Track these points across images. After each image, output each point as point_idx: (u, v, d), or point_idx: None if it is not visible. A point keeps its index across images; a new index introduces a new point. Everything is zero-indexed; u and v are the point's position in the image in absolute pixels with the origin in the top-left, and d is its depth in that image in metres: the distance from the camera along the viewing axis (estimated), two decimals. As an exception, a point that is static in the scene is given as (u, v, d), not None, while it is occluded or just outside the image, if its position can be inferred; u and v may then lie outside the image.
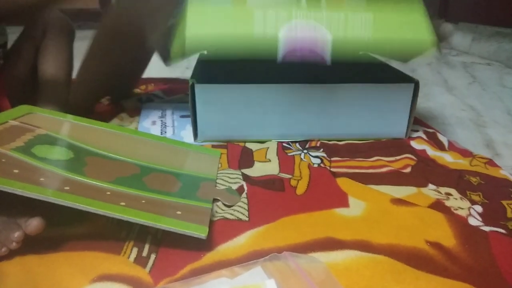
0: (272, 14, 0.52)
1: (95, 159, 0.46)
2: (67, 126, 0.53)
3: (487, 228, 0.42)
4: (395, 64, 0.71)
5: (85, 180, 0.41)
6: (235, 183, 0.50)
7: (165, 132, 0.65)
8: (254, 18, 0.52)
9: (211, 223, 0.42)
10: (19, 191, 0.35)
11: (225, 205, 0.45)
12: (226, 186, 0.49)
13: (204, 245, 0.38)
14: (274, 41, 0.51)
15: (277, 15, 0.52)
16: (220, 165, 0.55)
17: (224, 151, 0.59)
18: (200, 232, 0.36)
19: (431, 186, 0.50)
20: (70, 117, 0.55)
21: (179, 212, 0.39)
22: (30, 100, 0.59)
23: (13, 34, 0.64)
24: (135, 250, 0.38)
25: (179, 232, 0.36)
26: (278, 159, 0.57)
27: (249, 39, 0.52)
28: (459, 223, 0.42)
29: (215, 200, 0.46)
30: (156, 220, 0.37)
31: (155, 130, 0.65)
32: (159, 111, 0.74)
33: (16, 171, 0.38)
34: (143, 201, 0.40)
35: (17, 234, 0.35)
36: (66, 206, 0.35)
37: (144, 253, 0.37)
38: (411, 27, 0.55)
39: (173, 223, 0.37)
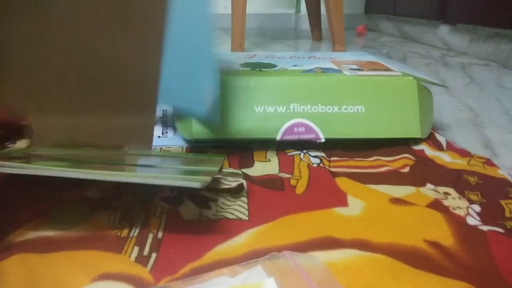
0: (272, 114, 0.59)
1: (93, 165, 0.47)
2: (66, 151, 0.53)
3: (485, 228, 0.42)
4: (394, 64, 0.71)
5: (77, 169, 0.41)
6: (235, 181, 0.50)
7: (166, 133, 0.65)
8: (255, 119, 0.58)
9: (211, 222, 0.42)
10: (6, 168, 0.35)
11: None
12: (226, 184, 0.50)
13: (204, 244, 0.39)
14: (274, 134, 0.59)
15: (276, 114, 0.59)
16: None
17: (224, 151, 0.59)
18: (196, 181, 0.36)
19: (429, 185, 0.51)
20: (69, 150, 0.55)
21: (176, 176, 0.39)
22: None
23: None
24: (136, 249, 0.38)
25: (174, 184, 0.36)
26: (278, 158, 0.58)
27: (248, 136, 0.59)
28: (457, 222, 0.43)
29: (216, 181, 0.45)
30: (149, 179, 0.37)
31: (156, 131, 0.66)
32: (159, 112, 0.74)
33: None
34: (138, 174, 0.40)
35: None
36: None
37: (145, 252, 0.38)
38: (402, 124, 0.61)
39: (167, 180, 0.37)
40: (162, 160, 0.53)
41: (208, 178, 0.37)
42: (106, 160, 0.50)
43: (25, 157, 0.49)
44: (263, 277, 0.34)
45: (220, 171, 0.50)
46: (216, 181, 0.50)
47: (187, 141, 0.60)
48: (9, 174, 0.52)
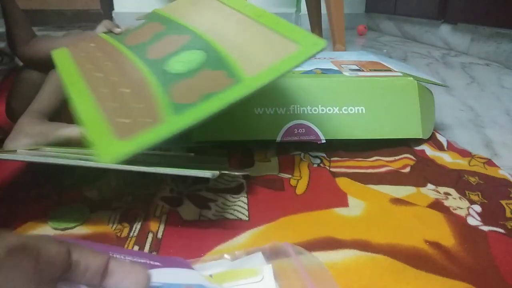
0: (272, 115, 0.59)
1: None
2: (69, 149, 0.54)
3: (486, 228, 0.42)
4: (394, 64, 0.71)
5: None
6: (235, 181, 0.50)
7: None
8: (255, 121, 0.59)
9: (211, 222, 0.42)
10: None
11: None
12: (226, 184, 0.50)
13: (204, 244, 0.38)
14: (274, 135, 0.59)
15: (276, 116, 0.59)
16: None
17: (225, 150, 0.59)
18: (208, 172, 0.36)
19: (430, 186, 0.51)
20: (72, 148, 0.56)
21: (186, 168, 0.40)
22: None
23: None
24: (136, 249, 0.38)
25: (186, 174, 0.36)
26: (278, 159, 0.58)
27: (248, 138, 0.59)
28: (458, 223, 0.43)
29: (216, 181, 0.45)
30: (161, 169, 0.37)
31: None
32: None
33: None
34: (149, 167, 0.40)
35: None
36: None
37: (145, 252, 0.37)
38: (404, 124, 0.61)
39: (179, 171, 0.37)
40: (167, 159, 0.53)
41: (216, 172, 0.37)
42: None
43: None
44: (261, 263, 0.34)
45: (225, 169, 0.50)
46: (216, 181, 0.50)
47: (187, 142, 0.60)
48: (11, 173, 0.52)
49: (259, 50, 0.49)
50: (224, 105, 0.41)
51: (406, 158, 0.58)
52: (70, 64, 0.55)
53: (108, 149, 0.38)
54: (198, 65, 0.49)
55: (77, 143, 0.58)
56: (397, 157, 0.58)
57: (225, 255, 0.35)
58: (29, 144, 0.55)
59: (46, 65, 0.66)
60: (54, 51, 0.60)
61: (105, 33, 0.65)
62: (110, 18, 2.34)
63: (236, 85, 0.44)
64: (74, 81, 0.50)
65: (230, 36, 0.53)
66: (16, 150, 0.51)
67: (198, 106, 0.42)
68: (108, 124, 0.41)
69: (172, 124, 0.40)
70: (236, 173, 0.47)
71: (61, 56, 0.59)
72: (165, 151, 0.59)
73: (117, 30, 0.65)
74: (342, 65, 0.69)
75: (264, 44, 0.49)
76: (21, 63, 0.69)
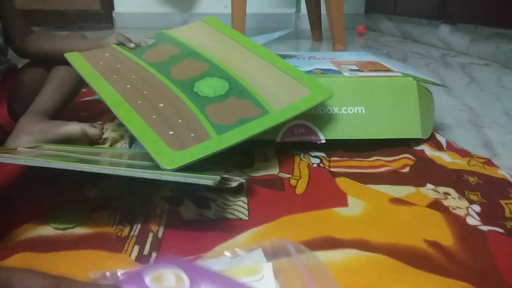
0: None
1: (98, 163, 0.47)
2: (69, 148, 0.54)
3: (485, 228, 0.42)
4: (394, 64, 0.71)
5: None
6: (235, 181, 0.50)
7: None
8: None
9: (211, 222, 0.42)
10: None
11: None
12: (227, 184, 0.50)
13: (205, 244, 0.39)
14: (274, 135, 0.59)
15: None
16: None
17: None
18: (210, 180, 0.37)
19: (429, 185, 0.51)
20: (71, 146, 0.56)
21: (188, 173, 0.41)
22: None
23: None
24: (136, 248, 0.38)
25: (188, 181, 0.37)
26: (278, 159, 0.58)
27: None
28: (457, 223, 0.43)
29: (222, 184, 0.46)
30: (164, 176, 0.38)
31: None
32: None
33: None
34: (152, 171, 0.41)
35: None
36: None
37: (146, 252, 0.38)
38: (403, 124, 0.61)
39: (181, 177, 0.38)
40: None
41: (218, 178, 0.38)
42: (110, 158, 0.51)
43: (32, 152, 0.49)
44: (262, 261, 0.34)
45: (226, 171, 0.51)
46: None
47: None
48: (11, 173, 0.52)
49: (279, 88, 0.55)
50: (260, 131, 0.47)
51: (406, 158, 0.58)
52: (92, 71, 0.58)
53: (171, 159, 0.42)
54: (224, 91, 0.54)
55: (77, 140, 0.58)
56: (396, 157, 0.59)
57: (226, 253, 0.35)
58: (29, 142, 0.55)
59: (48, 62, 0.66)
60: (68, 54, 0.61)
61: (116, 44, 0.66)
62: (110, 18, 2.34)
63: (267, 115, 0.50)
64: (106, 90, 0.53)
65: (248, 71, 0.58)
66: (16, 148, 0.51)
67: (238, 129, 0.48)
68: (158, 135, 0.46)
69: (220, 141, 0.46)
70: (237, 178, 0.47)
71: (78, 61, 0.60)
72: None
73: (131, 45, 0.66)
74: (341, 66, 0.69)
75: (282, 84, 0.56)
76: (18, 63, 0.69)
